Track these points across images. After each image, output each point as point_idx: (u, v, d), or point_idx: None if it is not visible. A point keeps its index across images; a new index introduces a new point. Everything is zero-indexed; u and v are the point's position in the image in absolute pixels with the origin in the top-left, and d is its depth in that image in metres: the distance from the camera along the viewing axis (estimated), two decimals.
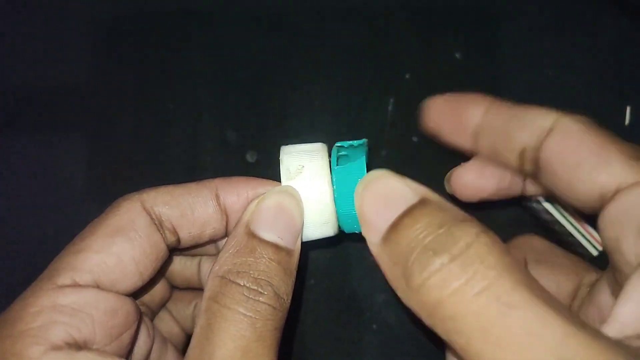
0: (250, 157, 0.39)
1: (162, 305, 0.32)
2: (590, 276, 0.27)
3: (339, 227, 0.27)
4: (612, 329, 0.18)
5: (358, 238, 0.25)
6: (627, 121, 0.38)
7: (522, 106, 0.25)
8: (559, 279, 0.28)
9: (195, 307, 0.33)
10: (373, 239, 0.22)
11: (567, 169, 0.22)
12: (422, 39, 0.40)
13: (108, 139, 0.40)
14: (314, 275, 0.38)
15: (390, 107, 0.39)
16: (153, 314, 0.31)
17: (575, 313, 0.19)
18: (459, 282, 0.18)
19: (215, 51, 0.40)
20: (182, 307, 0.33)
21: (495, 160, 0.26)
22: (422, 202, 0.21)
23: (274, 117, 0.39)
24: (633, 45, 0.39)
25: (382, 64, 0.40)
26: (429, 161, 0.38)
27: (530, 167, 0.24)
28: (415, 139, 0.39)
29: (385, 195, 0.22)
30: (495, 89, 0.39)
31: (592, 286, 0.26)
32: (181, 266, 0.32)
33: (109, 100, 0.40)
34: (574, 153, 0.22)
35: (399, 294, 0.21)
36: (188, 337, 0.33)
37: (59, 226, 0.38)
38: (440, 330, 0.19)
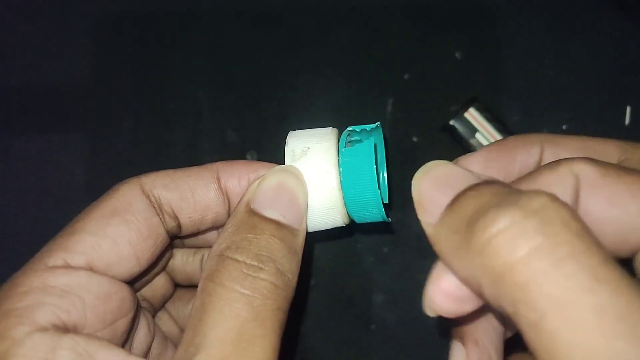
0: (250, 157, 0.39)
1: (164, 302, 0.31)
2: None
3: (349, 216, 0.26)
4: None
5: (370, 229, 0.24)
6: (627, 121, 0.38)
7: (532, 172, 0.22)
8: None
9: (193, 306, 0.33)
10: (430, 220, 0.19)
11: (611, 221, 0.19)
12: (422, 39, 0.40)
13: (108, 139, 0.40)
14: (314, 276, 0.38)
15: (389, 108, 0.39)
16: (154, 310, 0.31)
17: None
18: (536, 242, 0.15)
19: (215, 51, 0.40)
20: (180, 306, 0.32)
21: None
22: (487, 182, 0.19)
23: (274, 117, 0.39)
24: (633, 45, 0.39)
25: (382, 64, 0.40)
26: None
27: None
28: (415, 139, 0.39)
29: (447, 177, 0.20)
30: (495, 89, 0.39)
31: None
32: (182, 262, 0.31)
33: (109, 100, 0.40)
34: (615, 204, 0.19)
35: (456, 266, 0.18)
36: None
37: (59, 226, 0.38)
38: (506, 301, 0.15)
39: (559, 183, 0.20)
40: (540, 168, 0.22)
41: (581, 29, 0.39)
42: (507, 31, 0.40)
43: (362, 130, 0.26)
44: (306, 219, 0.25)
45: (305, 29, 0.40)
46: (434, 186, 0.20)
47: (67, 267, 0.22)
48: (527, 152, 0.27)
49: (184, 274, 0.32)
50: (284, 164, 0.26)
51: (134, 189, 0.24)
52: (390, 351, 0.37)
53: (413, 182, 0.21)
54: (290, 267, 0.22)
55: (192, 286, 0.33)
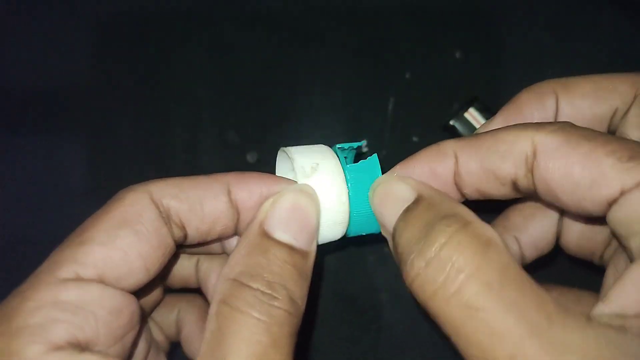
0: (250, 158, 0.39)
1: (155, 307, 0.31)
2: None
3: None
4: (606, 308, 0.19)
5: (358, 242, 0.25)
6: None
7: (489, 135, 0.24)
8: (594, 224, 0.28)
9: (178, 312, 0.31)
10: (386, 234, 0.24)
11: (565, 191, 0.21)
12: (422, 39, 0.40)
13: (108, 139, 0.40)
14: (318, 275, 0.37)
15: (390, 107, 0.39)
16: (145, 316, 0.30)
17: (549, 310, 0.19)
18: (434, 287, 0.20)
19: (215, 51, 0.40)
20: (165, 313, 0.31)
21: (487, 197, 0.25)
22: (416, 202, 0.23)
23: (274, 117, 0.39)
24: (633, 45, 0.39)
25: (382, 64, 0.40)
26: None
27: (526, 193, 0.23)
28: (415, 139, 0.39)
29: (388, 197, 0.24)
30: (495, 89, 0.39)
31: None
32: (178, 265, 0.31)
33: (109, 100, 0.40)
34: (569, 175, 0.21)
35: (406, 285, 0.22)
36: (172, 345, 0.32)
37: (59, 226, 0.38)
38: (436, 322, 0.20)
39: (514, 150, 0.22)
40: (502, 130, 0.23)
41: (581, 28, 0.39)
42: (507, 31, 0.40)
43: (349, 147, 0.27)
44: (317, 239, 0.25)
45: (305, 29, 0.40)
46: (381, 205, 0.24)
47: (79, 280, 0.21)
48: (542, 107, 0.27)
49: (178, 278, 0.31)
50: (295, 162, 0.26)
51: (143, 198, 0.24)
52: (393, 350, 0.37)
53: (369, 199, 0.25)
54: (301, 293, 0.23)
55: (177, 291, 0.32)
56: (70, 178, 0.39)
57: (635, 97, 0.26)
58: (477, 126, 0.37)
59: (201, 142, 0.39)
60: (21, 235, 0.38)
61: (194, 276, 0.31)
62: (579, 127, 0.22)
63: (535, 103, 0.27)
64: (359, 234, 0.27)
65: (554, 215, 0.29)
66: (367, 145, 0.39)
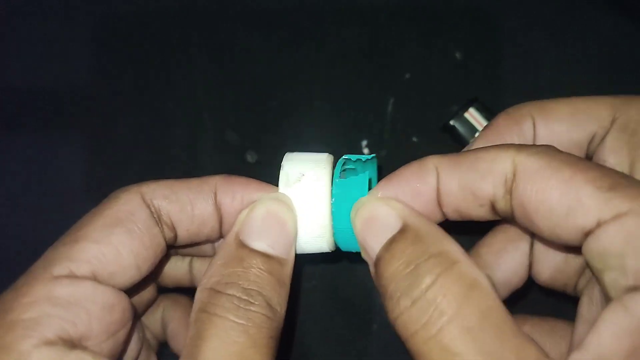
0: (250, 158, 0.39)
1: (148, 307, 0.31)
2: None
3: (335, 243, 0.26)
4: (581, 357, 0.19)
5: (356, 257, 0.25)
6: None
7: (471, 153, 0.23)
8: (566, 255, 0.27)
9: (163, 310, 0.32)
10: (369, 260, 0.23)
11: (541, 217, 0.21)
12: (422, 39, 0.40)
13: (108, 139, 0.40)
14: (314, 276, 0.38)
15: (390, 107, 0.39)
16: (138, 316, 0.30)
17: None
18: (416, 327, 0.20)
19: (215, 51, 0.40)
20: (150, 311, 0.32)
21: (466, 218, 0.24)
22: (402, 232, 0.22)
23: (274, 117, 0.39)
24: (633, 45, 0.39)
25: (382, 64, 0.40)
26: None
27: (503, 216, 0.23)
28: (415, 139, 0.39)
29: (372, 222, 0.23)
30: (495, 89, 0.39)
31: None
32: (171, 265, 0.31)
33: (109, 100, 0.40)
34: (546, 200, 0.20)
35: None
36: (159, 344, 0.32)
37: (59, 226, 0.38)
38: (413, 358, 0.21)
39: (493, 170, 0.22)
40: (483, 149, 0.23)
41: (581, 29, 0.39)
42: (507, 31, 0.40)
43: (357, 160, 0.26)
44: (295, 246, 0.25)
45: (305, 29, 0.40)
46: (364, 229, 0.23)
47: (73, 276, 0.22)
48: (520, 130, 0.27)
49: (172, 278, 0.31)
50: (282, 169, 0.26)
51: (135, 198, 0.24)
52: (391, 351, 0.36)
53: (352, 222, 0.24)
54: (279, 299, 0.23)
55: (168, 291, 0.32)
56: (69, 178, 0.39)
57: (613, 121, 0.25)
58: (477, 126, 0.37)
59: (201, 142, 0.39)
60: (21, 235, 0.38)
61: (187, 275, 0.32)
62: (562, 151, 0.21)
63: (514, 127, 0.27)
64: (351, 250, 0.26)
65: (524, 248, 0.28)
66: (367, 145, 0.39)
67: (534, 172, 0.21)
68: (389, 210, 0.23)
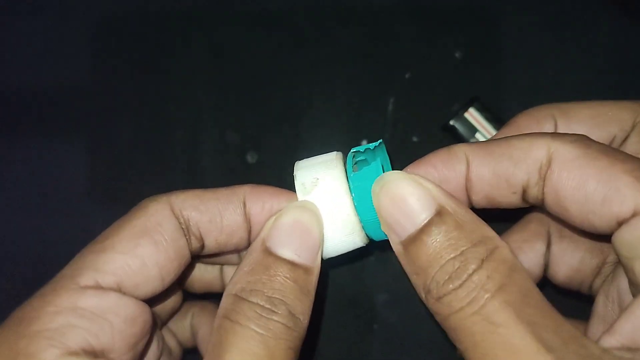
0: (250, 158, 0.39)
1: (173, 314, 0.31)
2: (614, 255, 0.26)
3: (367, 236, 0.26)
4: (613, 340, 0.19)
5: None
6: None
7: (503, 141, 0.23)
8: (582, 255, 0.28)
9: (192, 317, 0.32)
10: (395, 241, 0.23)
11: (575, 203, 0.21)
12: (422, 39, 0.40)
13: (108, 140, 0.40)
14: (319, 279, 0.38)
15: (390, 107, 0.39)
16: (162, 324, 0.30)
17: (567, 329, 0.20)
18: (462, 305, 0.20)
19: (215, 51, 0.40)
20: (178, 318, 0.32)
21: (495, 205, 0.25)
22: (440, 215, 0.22)
23: (274, 117, 0.39)
24: (633, 45, 0.39)
25: (382, 64, 0.40)
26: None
27: (535, 202, 0.23)
28: (415, 139, 0.39)
29: (403, 202, 0.22)
30: (495, 89, 0.39)
31: (616, 265, 0.26)
32: (201, 271, 0.31)
33: (109, 101, 0.40)
34: (582, 187, 0.21)
35: (419, 294, 0.22)
36: (185, 351, 0.32)
37: (60, 227, 0.38)
38: (449, 335, 0.21)
39: (528, 157, 0.22)
40: (517, 137, 0.23)
41: (581, 28, 0.39)
42: (507, 31, 0.40)
43: (366, 149, 0.26)
44: (321, 253, 0.25)
45: (305, 29, 0.40)
46: (393, 208, 0.23)
47: (98, 287, 0.22)
48: (541, 130, 0.27)
49: (203, 283, 0.32)
50: (296, 179, 0.26)
51: (164, 209, 0.24)
52: (392, 351, 0.37)
53: (372, 195, 0.24)
54: (302, 308, 0.23)
55: (196, 298, 0.32)
56: (69, 179, 0.39)
57: (634, 125, 0.26)
58: (477, 126, 0.37)
59: (201, 143, 0.39)
60: (22, 237, 0.38)
61: (218, 281, 0.32)
62: (597, 142, 0.22)
63: (534, 126, 0.27)
64: (385, 238, 0.26)
65: (541, 248, 0.29)
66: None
67: (570, 159, 0.21)
68: (422, 191, 0.22)
